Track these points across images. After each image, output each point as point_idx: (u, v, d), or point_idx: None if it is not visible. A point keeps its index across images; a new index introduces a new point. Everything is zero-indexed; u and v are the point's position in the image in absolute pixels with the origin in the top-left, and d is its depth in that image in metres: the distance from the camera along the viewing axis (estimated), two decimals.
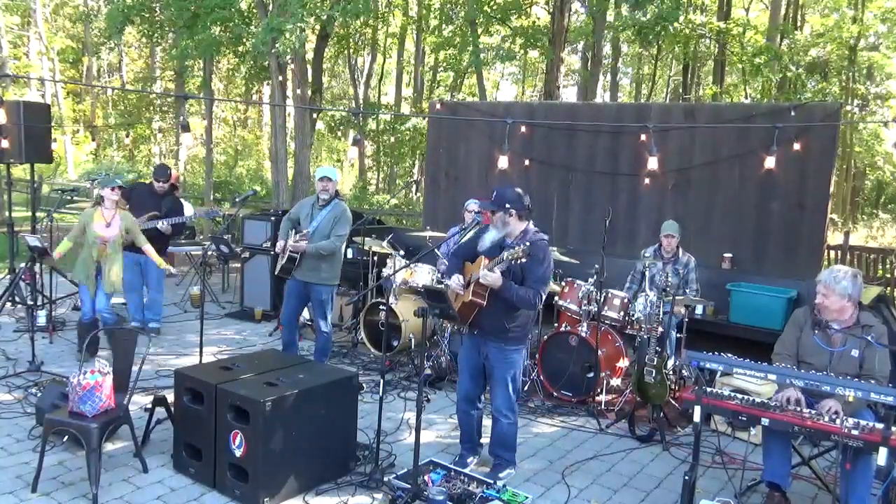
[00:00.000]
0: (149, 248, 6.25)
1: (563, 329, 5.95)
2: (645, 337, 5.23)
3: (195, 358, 5.68)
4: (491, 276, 3.96)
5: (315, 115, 17.32)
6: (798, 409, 3.65)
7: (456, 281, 4.22)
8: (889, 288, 10.10)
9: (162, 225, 6.75)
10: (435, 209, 9.27)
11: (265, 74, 16.89)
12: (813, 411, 3.63)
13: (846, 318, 3.89)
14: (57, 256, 6.12)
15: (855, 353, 3.85)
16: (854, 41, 18.08)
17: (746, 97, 19.45)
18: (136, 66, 30.65)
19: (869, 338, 3.76)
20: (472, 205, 6.29)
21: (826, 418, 3.52)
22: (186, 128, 7.75)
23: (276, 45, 10.69)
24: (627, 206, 7.78)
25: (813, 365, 3.89)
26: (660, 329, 5.29)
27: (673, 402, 5.42)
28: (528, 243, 3.89)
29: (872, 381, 3.57)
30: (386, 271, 7.21)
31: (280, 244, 5.78)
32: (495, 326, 4.16)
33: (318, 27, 14.63)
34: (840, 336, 3.89)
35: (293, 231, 5.80)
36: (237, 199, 7.11)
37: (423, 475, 4.08)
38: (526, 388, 5.79)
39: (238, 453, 3.85)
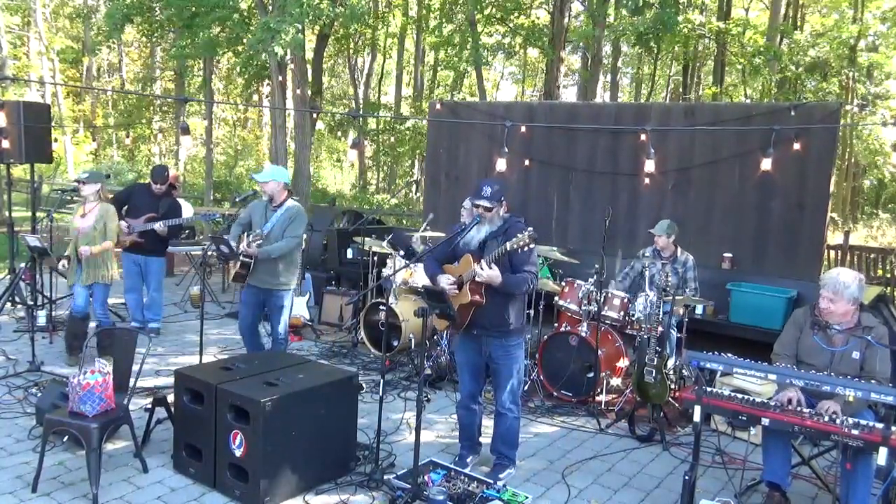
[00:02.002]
0: (108, 244, 6.00)
1: (563, 329, 5.95)
2: (645, 337, 5.23)
3: (195, 358, 5.67)
4: (488, 272, 3.93)
5: (315, 116, 17.32)
6: (799, 409, 3.65)
7: (446, 281, 4.17)
8: (889, 288, 10.10)
9: (159, 227, 6.74)
10: (435, 209, 9.26)
11: (265, 74, 16.89)
12: (812, 411, 3.63)
13: (847, 320, 3.89)
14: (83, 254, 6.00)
15: (856, 354, 3.84)
16: (854, 41, 18.08)
17: (746, 97, 19.45)
18: (136, 66, 30.67)
19: (869, 338, 3.76)
20: (468, 202, 6.16)
21: (826, 419, 3.52)
22: (186, 131, 7.76)
23: (272, 45, 10.69)
24: (627, 206, 7.78)
25: (814, 366, 3.88)
26: (660, 329, 5.28)
27: (673, 402, 5.41)
28: (529, 230, 3.89)
29: (873, 382, 3.57)
30: (386, 271, 7.21)
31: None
32: (495, 322, 4.16)
33: (317, 28, 14.65)
34: (841, 337, 3.89)
35: (245, 235, 5.48)
36: (237, 199, 7.12)
37: (423, 475, 4.08)
38: (526, 388, 5.79)
39: (238, 453, 3.85)
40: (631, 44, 15.39)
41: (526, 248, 3.88)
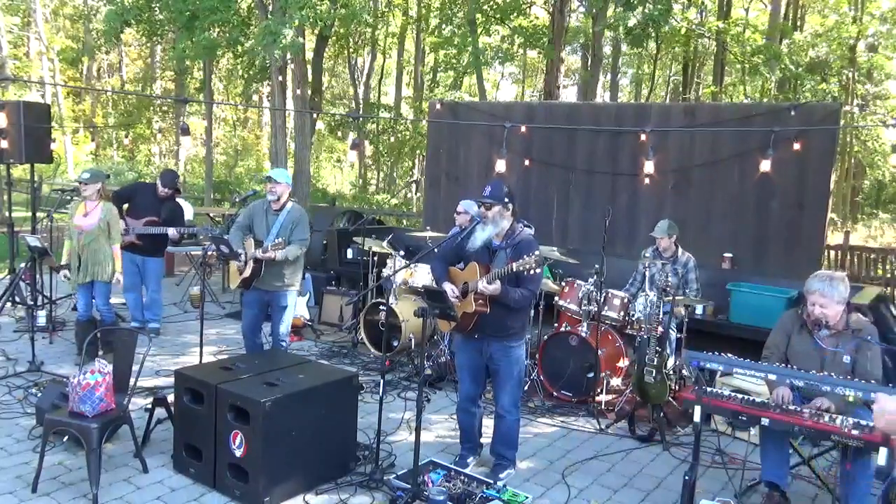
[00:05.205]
0: (117, 249, 6.06)
1: (563, 329, 5.95)
2: (645, 337, 5.23)
3: (195, 358, 5.67)
4: (490, 288, 3.97)
5: (315, 116, 17.33)
6: (796, 408, 3.66)
7: (451, 292, 4.17)
8: (889, 288, 10.10)
9: (173, 233, 6.73)
10: (435, 209, 9.27)
11: (265, 74, 16.90)
12: (805, 409, 3.62)
13: (836, 322, 3.87)
14: (66, 258, 6.07)
15: (846, 358, 3.83)
16: (854, 41, 18.09)
17: (746, 97, 19.46)
18: (136, 66, 30.69)
19: (868, 338, 3.75)
20: (461, 206, 6.14)
21: (819, 416, 3.51)
22: (186, 131, 7.78)
23: (274, 48, 10.69)
24: (627, 206, 7.78)
25: (805, 370, 3.86)
26: (660, 329, 5.28)
27: (673, 402, 5.41)
28: (537, 253, 3.89)
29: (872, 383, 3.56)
30: (386, 271, 7.21)
31: (241, 256, 5.38)
32: (498, 326, 4.17)
33: (317, 29, 14.64)
34: (830, 339, 3.88)
35: (250, 239, 5.42)
36: (237, 199, 7.11)
37: (423, 475, 4.08)
38: (526, 388, 5.78)
39: (238, 453, 3.85)
40: (621, 38, 15.35)
41: (532, 273, 3.88)
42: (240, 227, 5.54)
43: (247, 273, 5.35)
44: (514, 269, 3.89)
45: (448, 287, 4.19)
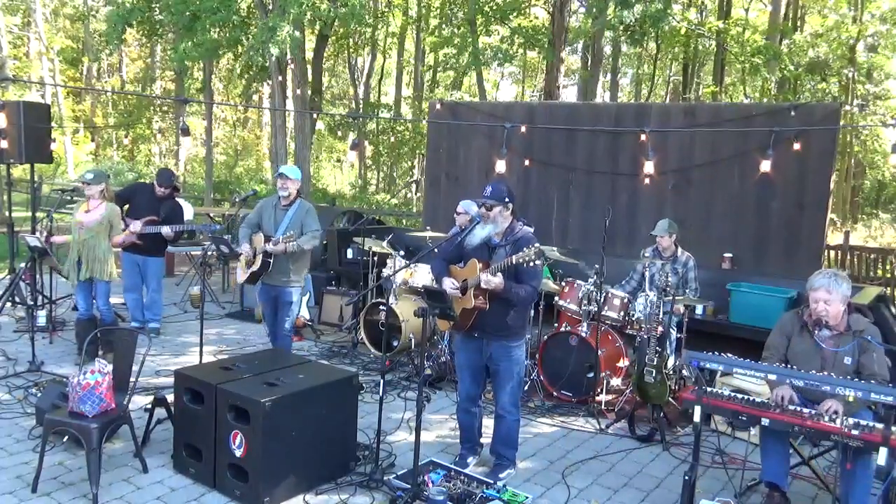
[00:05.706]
0: (116, 240, 6.12)
1: (563, 329, 5.95)
2: (645, 337, 5.23)
3: (195, 358, 5.68)
4: (494, 280, 3.95)
5: (315, 116, 17.33)
6: (797, 408, 3.65)
7: (450, 285, 4.17)
8: (889, 288, 10.10)
9: (166, 231, 6.74)
10: (435, 209, 9.26)
11: (265, 74, 16.90)
12: (813, 411, 3.63)
13: (838, 322, 3.87)
14: (58, 241, 6.11)
15: (848, 360, 3.82)
16: (854, 41, 18.09)
17: (746, 97, 19.47)
18: (136, 66, 30.69)
19: (869, 338, 3.75)
20: (461, 206, 6.14)
21: (826, 418, 3.52)
22: (186, 132, 7.78)
23: (269, 45, 10.68)
24: (627, 206, 7.78)
25: (805, 370, 3.86)
26: (660, 329, 5.28)
27: (673, 402, 5.41)
28: (536, 245, 3.89)
29: (873, 383, 3.56)
30: (386, 271, 7.21)
31: (246, 249, 5.50)
32: (497, 325, 4.16)
33: (317, 28, 14.66)
34: (832, 340, 3.88)
35: (259, 234, 5.53)
36: (237, 199, 7.10)
37: (423, 475, 4.08)
38: (526, 388, 5.78)
39: (238, 453, 3.85)
40: (620, 37, 15.36)
41: (532, 265, 3.87)
42: (249, 225, 5.68)
43: (255, 267, 5.48)
44: (514, 262, 3.88)
45: (448, 282, 4.19)
